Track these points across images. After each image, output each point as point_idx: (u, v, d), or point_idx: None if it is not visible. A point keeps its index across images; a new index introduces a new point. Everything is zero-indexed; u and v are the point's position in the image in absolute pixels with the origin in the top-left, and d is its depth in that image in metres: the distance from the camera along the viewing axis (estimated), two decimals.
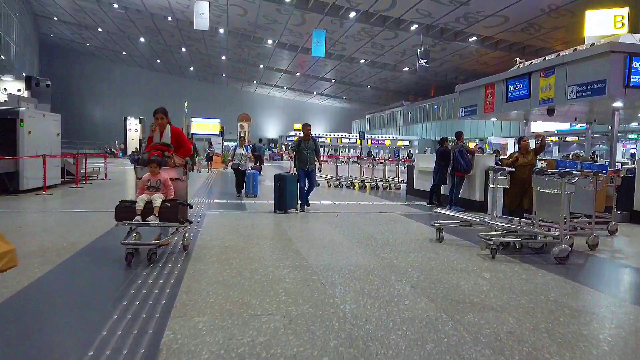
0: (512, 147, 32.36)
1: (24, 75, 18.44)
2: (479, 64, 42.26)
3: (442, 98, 47.29)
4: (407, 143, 48.15)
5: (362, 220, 8.55)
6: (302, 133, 9.88)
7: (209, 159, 23.41)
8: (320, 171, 10.49)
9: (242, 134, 41.03)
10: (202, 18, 31.99)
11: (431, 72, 42.77)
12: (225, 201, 10.65)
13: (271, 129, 69.56)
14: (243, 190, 12.07)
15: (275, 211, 8.93)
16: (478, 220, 6.83)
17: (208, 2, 31.54)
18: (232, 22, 39.60)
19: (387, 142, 44.93)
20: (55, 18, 48.03)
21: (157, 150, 5.58)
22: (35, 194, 10.56)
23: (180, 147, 5.84)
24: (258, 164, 25.56)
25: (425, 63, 36.57)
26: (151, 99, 58.19)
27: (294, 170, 9.74)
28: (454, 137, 11.04)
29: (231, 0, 34.27)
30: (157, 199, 5.31)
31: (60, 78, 58.82)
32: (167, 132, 5.84)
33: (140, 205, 5.21)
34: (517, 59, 12.22)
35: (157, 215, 5.23)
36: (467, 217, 6.91)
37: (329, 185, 16.10)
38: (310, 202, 9.86)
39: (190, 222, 5.89)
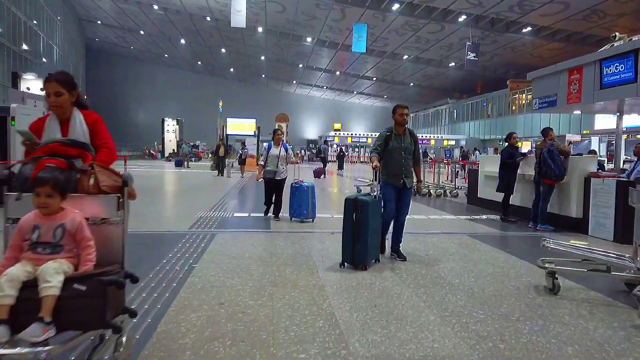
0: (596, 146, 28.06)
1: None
2: (533, 57, 38.55)
3: (492, 94, 43.71)
4: (453, 142, 44.81)
5: (421, 247, 6.15)
6: (394, 119, 5.67)
7: (241, 161, 20.70)
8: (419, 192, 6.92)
9: (279, 129, 39.15)
10: (239, 15, 30.24)
11: (480, 66, 39.41)
12: (246, 214, 8.52)
13: (310, 130, 67.53)
14: (283, 212, 8.27)
15: (342, 265, 5.01)
16: (619, 261, 4.26)
17: None
18: (270, 20, 37.74)
19: (432, 142, 41.90)
20: (99, 22, 47.78)
21: (57, 158, 2.65)
22: None
23: (98, 149, 2.90)
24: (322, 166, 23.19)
25: (475, 57, 33.43)
26: (192, 101, 57.62)
27: (370, 188, 5.67)
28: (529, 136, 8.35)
29: None
30: (53, 274, 2.19)
31: (105, 82, 59.12)
32: (75, 121, 2.97)
33: (6, 299, 2.10)
34: (617, 33, 9.32)
35: (49, 319, 2.10)
36: (602, 256, 4.32)
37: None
38: None
39: (133, 315, 2.67)
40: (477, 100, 46.34)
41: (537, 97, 11.47)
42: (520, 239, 7.30)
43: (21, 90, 15.67)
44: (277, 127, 7.67)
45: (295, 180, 8.35)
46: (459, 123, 49.20)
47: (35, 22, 32.85)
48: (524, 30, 32.83)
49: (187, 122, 40.80)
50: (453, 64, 42.27)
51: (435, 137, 46.36)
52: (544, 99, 11.25)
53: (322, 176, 20.83)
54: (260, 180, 8.57)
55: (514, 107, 40.93)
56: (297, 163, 9.24)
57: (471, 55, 33.49)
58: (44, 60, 34.19)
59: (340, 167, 28.17)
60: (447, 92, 52.61)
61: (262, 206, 8.53)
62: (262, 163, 8.61)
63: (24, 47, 30.40)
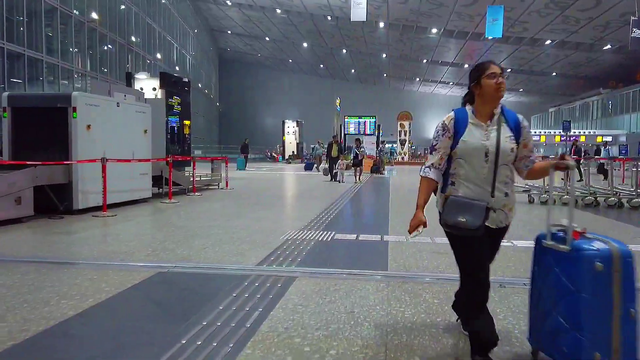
0: None
1: (159, 73, 16.08)
2: None
3: None
4: (609, 139, 37.22)
5: None
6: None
7: (357, 163, 16.25)
8: None
9: (403, 134, 36.14)
10: (359, 8, 27.95)
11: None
12: (354, 236, 5.88)
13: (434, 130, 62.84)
14: None
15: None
16: None
17: None
18: (392, 13, 34.86)
19: (582, 138, 35.07)
20: (229, 32, 49.38)
21: None
22: (92, 215, 7.22)
23: None
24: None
25: None
26: (314, 104, 57.01)
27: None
28: None
29: None
30: None
31: (236, 89, 61.42)
32: None
33: None
34: None
35: None
36: None
37: (532, 201, 10.01)
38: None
39: None
40: (638, 89, 38.03)
41: None
42: None
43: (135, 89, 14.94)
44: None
45: None
46: (615, 116, 40.95)
47: (168, 33, 34.20)
48: None
49: (309, 124, 39.74)
50: (608, 46, 35.10)
51: (586, 133, 39.02)
52: None
53: None
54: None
55: None
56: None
57: (637, 33, 26.96)
58: (177, 68, 35.53)
59: None
60: (599, 81, 44.41)
61: (379, 223, 5.94)
62: None
63: (158, 56, 31.62)
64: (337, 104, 28.94)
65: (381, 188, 14.12)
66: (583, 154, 19.69)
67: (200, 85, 45.06)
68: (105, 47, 25.82)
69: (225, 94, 61.11)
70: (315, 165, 24.19)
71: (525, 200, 10.08)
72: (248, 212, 8.10)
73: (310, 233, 6.03)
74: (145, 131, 8.84)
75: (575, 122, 47.01)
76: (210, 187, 12.70)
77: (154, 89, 15.34)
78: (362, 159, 16.85)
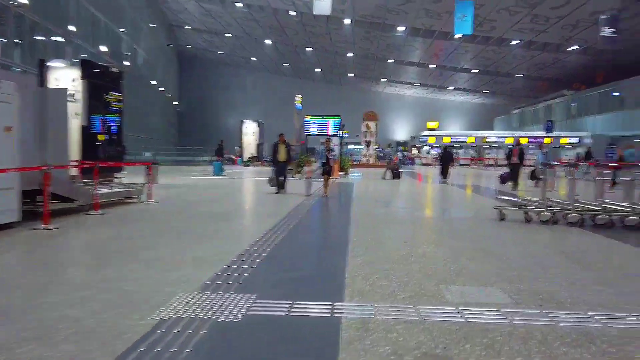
0: None
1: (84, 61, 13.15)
2: None
3: (628, 81, 34.54)
4: (575, 141, 36.36)
5: None
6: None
7: (327, 170, 12.20)
8: None
9: (368, 136, 33.95)
10: (322, 1, 25.57)
11: (609, 49, 31.06)
12: (286, 309, 3.54)
13: (400, 131, 61.30)
14: None
15: None
16: None
17: None
18: (358, 8, 32.68)
19: (547, 140, 33.93)
20: (188, 27, 46.04)
21: None
22: None
23: None
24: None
25: (613, 32, 25.70)
26: (278, 104, 54.18)
27: None
28: None
29: None
30: None
31: (197, 88, 58.04)
32: None
33: None
34: None
35: None
36: None
37: (529, 219, 7.84)
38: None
39: None
40: (604, 91, 37.30)
41: None
42: None
43: (48, 81, 12.10)
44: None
45: None
46: (580, 118, 40.21)
47: (116, 24, 30.83)
48: None
49: (273, 125, 36.97)
50: (575, 47, 34.06)
51: (552, 135, 38.01)
52: None
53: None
54: None
55: None
56: None
57: (607, 31, 25.82)
58: (125, 63, 32.18)
59: (445, 173, 19.07)
60: (562, 83, 43.73)
61: (331, 273, 4.27)
62: None
63: (103, 48, 28.29)
64: (298, 102, 26.40)
65: (341, 202, 11.72)
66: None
67: (154, 82, 41.55)
68: (38, 37, 22.45)
69: (186, 93, 57.57)
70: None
71: (521, 218, 7.92)
72: (144, 247, 5.52)
73: (212, 299, 3.55)
74: (9, 129, 6.11)
75: (538, 124, 46.27)
76: (127, 201, 9.98)
77: (74, 80, 12.52)
78: (332, 166, 12.77)
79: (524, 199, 8.89)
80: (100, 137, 11.34)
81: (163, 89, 45.28)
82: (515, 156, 14.76)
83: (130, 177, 12.88)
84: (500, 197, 10.92)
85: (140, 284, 4.00)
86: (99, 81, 12.94)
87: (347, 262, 4.81)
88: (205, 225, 7.23)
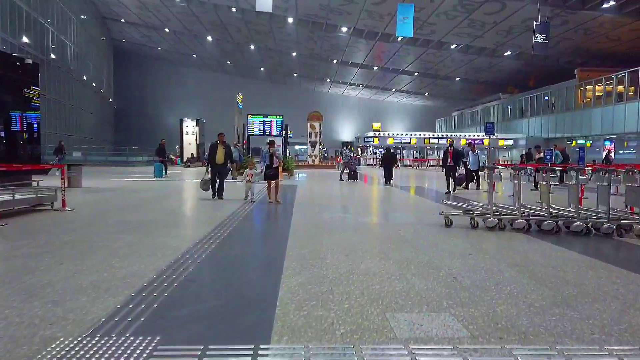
0: None
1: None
2: (609, 40, 31.37)
3: (555, 86, 36.43)
4: (509, 142, 37.82)
5: None
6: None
7: (272, 174, 10.78)
8: None
9: (313, 135, 33.40)
10: None
11: (541, 55, 32.56)
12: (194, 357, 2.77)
13: (346, 131, 61.54)
14: None
15: None
16: None
17: None
18: (301, 7, 32.09)
19: (486, 142, 35.04)
20: (122, 20, 43.45)
21: None
22: None
23: None
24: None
25: (544, 39, 26.74)
26: (221, 103, 52.51)
27: None
28: None
29: None
30: None
31: (136, 85, 55.22)
32: None
33: None
34: None
35: None
36: None
37: (475, 225, 7.56)
38: None
39: None
40: (536, 94, 39.12)
41: None
42: None
43: None
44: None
45: None
46: (515, 120, 41.96)
47: (40, 14, 28.27)
48: (605, 6, 25.78)
49: (214, 124, 35.50)
50: (509, 52, 35.42)
51: (490, 137, 39.33)
52: None
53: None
54: None
55: (588, 99, 33.60)
56: None
57: (540, 37, 26.81)
58: (53, 56, 29.67)
59: (388, 176, 17.84)
60: (498, 87, 45.59)
61: (259, 308, 3.69)
62: None
63: (25, 40, 25.81)
64: (239, 100, 25.30)
65: (281, 208, 11.02)
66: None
67: (85, 77, 38.74)
68: None
69: (122, 90, 54.47)
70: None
71: (467, 224, 7.60)
72: (32, 269, 4.52)
73: (101, 347, 2.73)
74: None
75: (476, 125, 47.91)
76: (38, 209, 8.73)
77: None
78: (277, 167, 11.01)
79: (470, 204, 8.63)
80: None
81: (95, 84, 42.42)
82: (450, 158, 14.17)
83: (55, 180, 11.48)
84: (445, 201, 10.66)
85: (7, 324, 3.09)
86: (11, 74, 11.52)
87: (280, 285, 4.12)
88: (122, 238, 6.27)
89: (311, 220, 8.32)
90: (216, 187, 11.29)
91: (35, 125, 12.54)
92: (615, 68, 31.81)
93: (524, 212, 7.41)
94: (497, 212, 7.49)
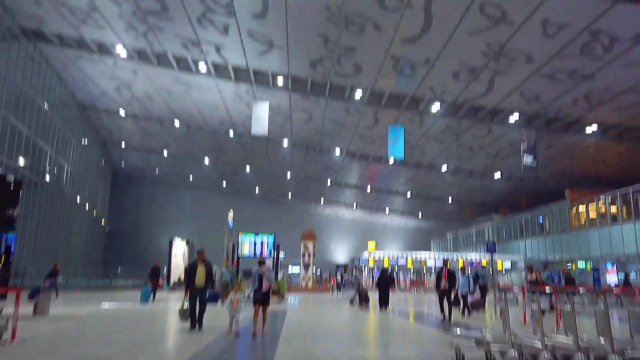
0: None
1: None
2: (595, 163, 32.19)
3: (547, 208, 36.50)
4: (507, 265, 36.71)
5: None
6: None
7: (262, 298, 9.25)
8: None
9: (307, 256, 32.23)
10: (260, 121, 25.40)
11: (530, 177, 33.19)
12: None
13: (340, 253, 60.27)
14: None
15: None
16: None
17: (268, 102, 25.14)
18: (296, 131, 33.33)
19: (484, 263, 34.00)
20: (123, 143, 44.78)
21: None
22: None
23: None
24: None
25: (533, 160, 27.33)
26: (215, 224, 51.96)
27: None
28: None
29: (294, 103, 28.07)
30: None
31: (131, 207, 55.19)
32: None
33: None
34: None
35: None
36: None
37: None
38: None
39: None
40: (529, 216, 39.08)
41: None
42: None
43: None
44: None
45: None
46: (510, 242, 41.32)
47: (41, 137, 28.93)
48: (588, 131, 26.78)
49: (204, 244, 34.42)
50: (499, 174, 36.10)
51: (488, 258, 38.36)
52: None
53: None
54: None
55: (582, 221, 33.31)
56: None
57: (528, 159, 27.41)
58: (47, 180, 29.71)
59: (384, 301, 16.29)
60: (490, 207, 45.82)
61: None
62: None
63: (20, 162, 25.91)
64: (229, 219, 24.60)
65: (262, 344, 9.58)
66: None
67: (79, 199, 38.50)
68: None
69: (115, 212, 54.18)
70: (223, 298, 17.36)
71: (480, 356, 6.30)
72: None
73: None
74: None
75: (472, 246, 47.12)
76: None
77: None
78: (269, 291, 9.39)
79: (483, 334, 7.38)
80: None
81: (89, 205, 42.11)
82: (445, 280, 12.66)
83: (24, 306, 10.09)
84: (454, 330, 9.33)
85: None
86: None
87: None
88: None
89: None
90: (196, 315, 9.77)
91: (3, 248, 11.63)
92: (604, 189, 32.17)
93: (546, 345, 6.19)
94: (516, 343, 6.25)
